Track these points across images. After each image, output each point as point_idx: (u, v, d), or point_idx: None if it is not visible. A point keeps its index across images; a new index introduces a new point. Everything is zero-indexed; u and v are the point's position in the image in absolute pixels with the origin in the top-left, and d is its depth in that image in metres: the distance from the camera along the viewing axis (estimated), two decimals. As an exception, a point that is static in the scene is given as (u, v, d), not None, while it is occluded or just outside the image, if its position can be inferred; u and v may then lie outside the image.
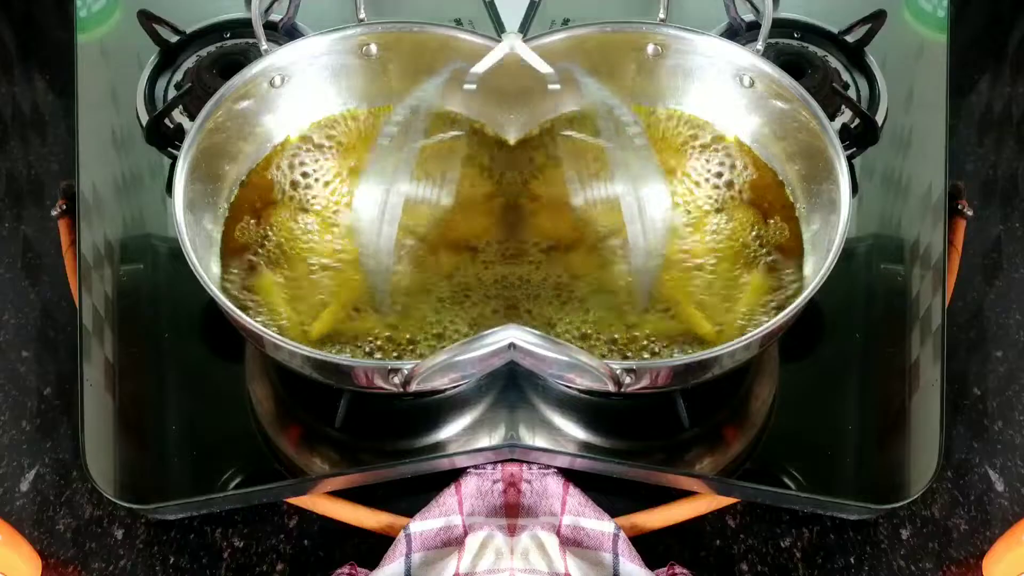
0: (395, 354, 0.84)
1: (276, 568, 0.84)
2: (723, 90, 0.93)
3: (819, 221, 0.87)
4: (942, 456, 0.83)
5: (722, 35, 1.00)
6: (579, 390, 0.86)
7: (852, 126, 0.99)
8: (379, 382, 0.77)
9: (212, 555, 0.85)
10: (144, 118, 1.00)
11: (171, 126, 0.99)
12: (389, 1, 0.99)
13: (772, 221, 0.90)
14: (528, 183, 0.93)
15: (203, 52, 1.05)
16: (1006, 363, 0.94)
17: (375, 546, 0.84)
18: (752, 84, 0.91)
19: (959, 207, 0.94)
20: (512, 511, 0.83)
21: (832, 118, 0.97)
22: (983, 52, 1.14)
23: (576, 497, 0.83)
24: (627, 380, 0.76)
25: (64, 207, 0.94)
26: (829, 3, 1.07)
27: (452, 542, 0.82)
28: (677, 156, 0.94)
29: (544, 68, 0.89)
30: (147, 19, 1.04)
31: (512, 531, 0.82)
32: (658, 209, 0.91)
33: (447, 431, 0.85)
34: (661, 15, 0.93)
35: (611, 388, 0.75)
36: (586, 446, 0.84)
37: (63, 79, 1.11)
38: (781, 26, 1.05)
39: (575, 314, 0.86)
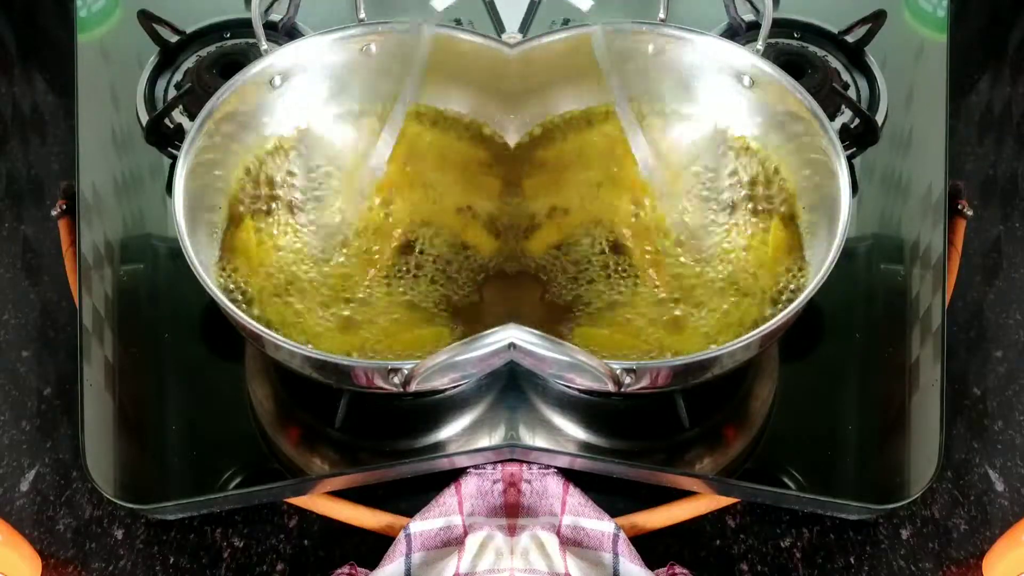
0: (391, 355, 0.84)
1: (276, 568, 0.84)
2: (723, 90, 0.93)
3: (819, 221, 0.87)
4: (942, 456, 0.83)
5: (722, 35, 1.00)
6: (579, 390, 0.86)
7: (852, 126, 0.99)
8: (379, 382, 0.77)
9: (212, 555, 0.85)
10: (144, 118, 1.00)
11: (171, 126, 0.99)
12: (389, 1, 0.99)
13: (772, 221, 0.90)
14: (527, 184, 0.93)
15: (203, 52, 1.05)
16: (1006, 363, 0.94)
17: (375, 546, 0.84)
18: (752, 84, 0.91)
19: (959, 207, 0.94)
20: (512, 511, 0.83)
21: (832, 118, 0.97)
22: (983, 52, 1.14)
23: (576, 497, 0.83)
24: (627, 380, 0.76)
25: (64, 207, 0.94)
26: (829, 3, 1.07)
27: (452, 542, 0.82)
28: (676, 156, 0.94)
29: None
30: (147, 19, 1.04)
31: (512, 531, 0.82)
32: (660, 204, 0.92)
33: (447, 431, 0.85)
34: (661, 15, 0.93)
35: (611, 388, 0.75)
36: (586, 446, 0.84)
37: (63, 79, 1.11)
38: (781, 26, 1.05)
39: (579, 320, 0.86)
